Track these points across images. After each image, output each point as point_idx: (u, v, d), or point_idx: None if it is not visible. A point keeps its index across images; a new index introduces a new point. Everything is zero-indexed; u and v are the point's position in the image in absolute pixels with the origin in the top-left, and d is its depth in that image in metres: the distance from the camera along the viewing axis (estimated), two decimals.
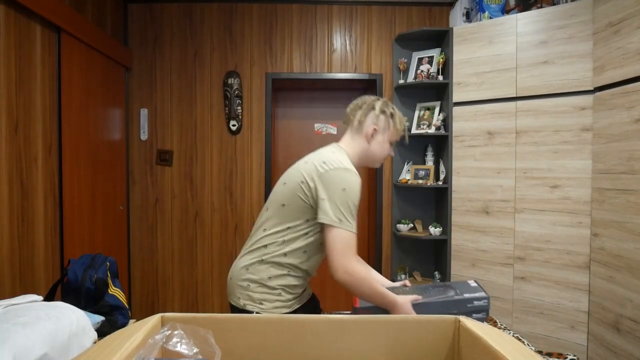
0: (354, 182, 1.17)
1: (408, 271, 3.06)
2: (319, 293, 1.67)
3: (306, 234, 1.22)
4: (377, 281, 1.20)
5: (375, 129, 1.29)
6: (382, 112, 1.30)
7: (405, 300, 1.15)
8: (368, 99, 1.34)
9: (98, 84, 2.58)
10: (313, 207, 1.18)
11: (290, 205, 1.22)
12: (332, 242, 1.12)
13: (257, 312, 1.20)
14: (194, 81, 3.10)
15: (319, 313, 1.42)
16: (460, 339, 0.76)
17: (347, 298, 3.45)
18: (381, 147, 1.31)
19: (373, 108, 1.30)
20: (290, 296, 1.26)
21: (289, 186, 1.24)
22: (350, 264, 1.12)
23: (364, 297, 1.16)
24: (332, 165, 1.18)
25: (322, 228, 1.19)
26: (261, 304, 1.23)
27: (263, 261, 1.24)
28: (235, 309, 1.26)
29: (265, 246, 1.25)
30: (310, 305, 1.41)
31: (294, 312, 1.26)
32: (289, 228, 1.22)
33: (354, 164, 1.26)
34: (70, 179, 2.23)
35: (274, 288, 1.24)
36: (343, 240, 1.12)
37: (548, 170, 2.37)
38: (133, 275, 3.12)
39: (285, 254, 1.23)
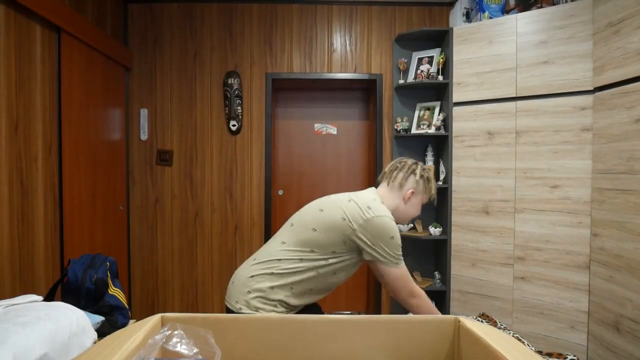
0: (397, 229, 1.33)
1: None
2: None
3: (326, 261, 1.30)
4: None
5: (413, 192, 1.41)
6: (422, 177, 1.43)
7: None
8: (408, 161, 1.47)
9: (98, 84, 2.58)
10: (346, 243, 1.29)
11: (322, 233, 1.29)
12: (396, 277, 1.30)
13: None
14: (194, 81, 3.10)
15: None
16: (460, 339, 0.76)
17: (347, 299, 3.45)
18: (414, 208, 1.43)
19: (414, 172, 1.42)
20: (285, 310, 1.29)
21: (327, 216, 1.31)
22: (414, 287, 1.31)
23: (427, 312, 1.32)
24: (378, 213, 1.29)
25: (351, 262, 1.33)
26: (257, 310, 1.26)
27: (273, 274, 1.28)
28: (230, 312, 1.30)
29: (279, 260, 1.29)
30: (309, 311, 1.42)
31: None
32: (312, 251, 1.29)
33: (397, 218, 1.40)
34: (70, 179, 2.23)
35: (272, 300, 1.27)
36: (405, 274, 1.31)
37: (548, 170, 2.37)
38: (133, 275, 3.12)
39: (295, 273, 1.27)
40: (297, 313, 1.31)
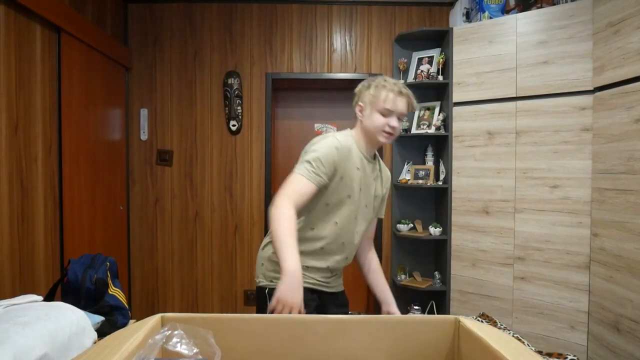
0: (327, 142, 1.27)
1: (408, 271, 3.06)
2: None
3: (309, 206, 1.30)
4: (293, 233, 1.09)
5: (361, 106, 1.37)
6: (360, 89, 1.40)
7: (296, 271, 1.01)
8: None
9: (98, 84, 2.58)
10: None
11: None
12: (286, 180, 1.22)
13: (269, 288, 1.30)
14: (194, 81, 3.10)
15: (326, 311, 1.39)
16: (460, 339, 0.76)
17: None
18: (371, 119, 1.31)
19: (355, 92, 1.42)
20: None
21: None
22: (281, 199, 1.14)
23: (272, 235, 1.09)
24: (324, 136, 1.32)
25: (318, 198, 1.29)
26: (272, 281, 1.32)
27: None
28: (258, 290, 1.38)
29: None
30: (324, 299, 1.39)
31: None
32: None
33: (363, 145, 1.35)
34: (70, 179, 2.23)
35: (277, 262, 1.23)
36: (289, 180, 1.20)
37: (548, 170, 2.37)
38: (133, 275, 3.12)
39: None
40: (307, 292, 1.23)
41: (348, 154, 1.29)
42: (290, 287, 0.97)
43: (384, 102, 1.28)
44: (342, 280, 1.50)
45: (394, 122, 1.29)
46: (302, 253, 1.18)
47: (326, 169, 1.23)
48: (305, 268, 1.28)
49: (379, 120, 1.30)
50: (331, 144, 1.26)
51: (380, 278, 1.49)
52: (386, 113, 1.29)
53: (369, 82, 1.37)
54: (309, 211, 1.30)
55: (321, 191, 1.26)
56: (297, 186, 1.18)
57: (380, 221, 3.21)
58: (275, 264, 1.26)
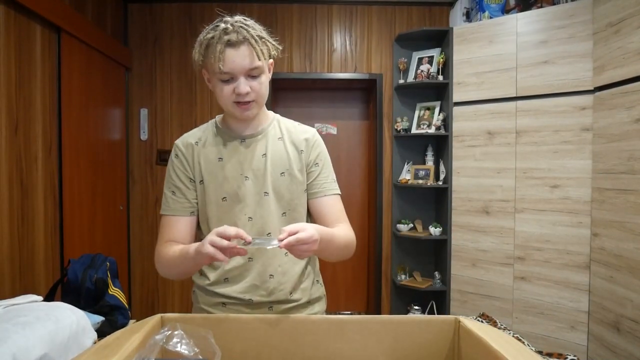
0: (179, 140, 1.06)
1: (408, 271, 3.06)
2: None
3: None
4: (176, 251, 0.94)
5: (204, 72, 0.99)
6: (195, 47, 0.97)
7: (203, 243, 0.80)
8: None
9: (98, 84, 2.58)
10: None
11: None
12: None
13: None
14: (194, 81, 3.10)
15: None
16: (460, 339, 0.76)
17: (347, 299, 3.46)
18: (216, 89, 0.96)
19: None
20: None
21: None
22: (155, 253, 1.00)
23: (173, 265, 0.95)
24: None
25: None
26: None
27: None
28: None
29: None
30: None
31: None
32: None
33: (233, 125, 1.05)
34: (70, 179, 2.23)
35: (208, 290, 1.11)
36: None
37: (548, 170, 2.37)
38: (133, 275, 3.12)
39: None
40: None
41: (200, 149, 1.03)
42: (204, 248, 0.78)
43: (215, 63, 0.90)
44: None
45: (241, 86, 0.92)
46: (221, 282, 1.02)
47: (182, 189, 1.02)
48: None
49: (221, 91, 0.94)
50: (170, 157, 1.05)
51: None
52: (226, 77, 0.92)
53: (200, 36, 0.96)
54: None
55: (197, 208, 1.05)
56: (161, 229, 1.02)
57: (379, 219, 3.22)
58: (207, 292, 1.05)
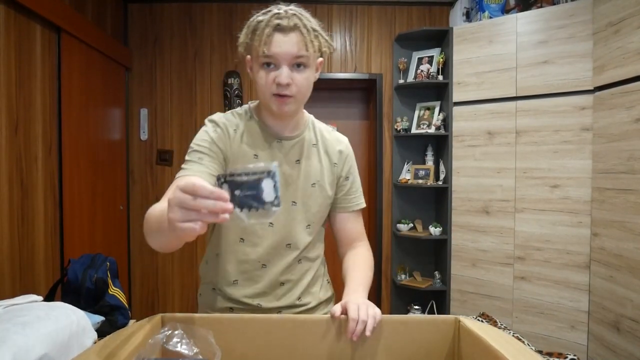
0: (205, 127, 0.94)
1: (408, 271, 3.06)
2: None
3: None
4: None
5: (247, 59, 0.92)
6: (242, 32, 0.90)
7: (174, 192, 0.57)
8: None
9: (98, 84, 2.58)
10: None
11: None
12: None
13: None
14: (194, 81, 3.10)
15: None
16: (460, 339, 0.76)
17: None
18: (256, 76, 0.88)
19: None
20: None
21: None
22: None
23: (152, 231, 0.74)
24: None
25: None
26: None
27: None
28: None
29: None
30: None
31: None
32: None
33: (269, 120, 0.96)
34: (70, 179, 2.23)
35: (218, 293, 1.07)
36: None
37: (548, 170, 2.37)
38: (133, 275, 3.12)
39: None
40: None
41: (238, 137, 0.93)
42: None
43: (260, 46, 0.83)
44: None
45: (283, 75, 0.83)
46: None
47: (214, 158, 0.89)
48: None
49: (261, 77, 0.86)
50: (204, 127, 0.95)
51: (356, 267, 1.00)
52: (268, 62, 0.85)
53: (250, 20, 0.88)
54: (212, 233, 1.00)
55: None
56: (172, 185, 0.83)
57: (379, 219, 3.22)
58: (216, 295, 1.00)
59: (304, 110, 1.02)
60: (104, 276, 1.31)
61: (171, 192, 0.74)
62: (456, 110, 2.74)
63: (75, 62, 2.29)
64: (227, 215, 0.51)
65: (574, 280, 2.27)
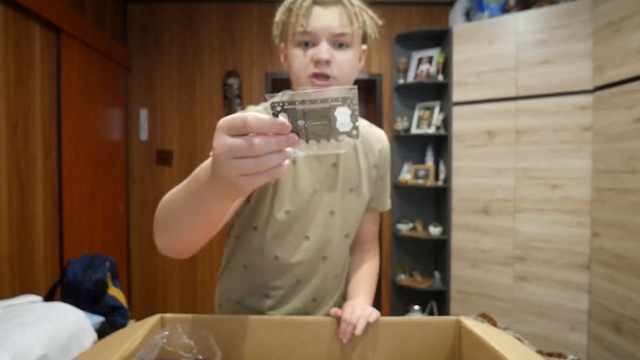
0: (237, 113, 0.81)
1: (408, 271, 3.06)
2: None
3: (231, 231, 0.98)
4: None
5: (282, 48, 0.84)
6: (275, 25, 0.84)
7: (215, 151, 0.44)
8: None
9: (98, 84, 2.57)
10: None
11: None
12: None
13: None
14: (194, 81, 3.10)
15: None
16: (461, 340, 0.75)
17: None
18: (292, 58, 0.79)
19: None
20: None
21: None
22: None
23: (174, 213, 0.58)
24: None
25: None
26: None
27: None
28: None
29: None
30: None
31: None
32: None
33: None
34: (70, 179, 2.23)
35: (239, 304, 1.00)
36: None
37: (548, 170, 2.37)
38: (133, 275, 3.11)
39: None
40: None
41: None
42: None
43: (297, 21, 0.74)
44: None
45: (323, 50, 0.73)
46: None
47: None
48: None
49: (296, 58, 0.77)
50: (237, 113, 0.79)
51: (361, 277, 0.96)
52: (305, 40, 0.75)
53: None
54: (235, 239, 0.92)
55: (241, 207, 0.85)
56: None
57: (379, 219, 3.21)
58: (236, 305, 0.91)
59: None
60: (104, 276, 1.31)
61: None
62: (456, 110, 2.74)
63: (75, 63, 2.29)
64: (288, 159, 0.41)
65: (574, 280, 2.27)
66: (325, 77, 0.74)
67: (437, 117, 2.89)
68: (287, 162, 0.41)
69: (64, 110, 2.18)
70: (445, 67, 2.83)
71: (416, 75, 2.95)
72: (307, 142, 0.41)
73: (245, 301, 0.90)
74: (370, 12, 0.82)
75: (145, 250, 3.11)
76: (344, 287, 0.99)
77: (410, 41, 3.05)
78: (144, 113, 3.09)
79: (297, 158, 0.80)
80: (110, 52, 2.68)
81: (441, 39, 2.94)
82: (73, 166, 2.27)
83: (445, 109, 2.85)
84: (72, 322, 0.85)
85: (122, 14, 3.02)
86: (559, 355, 1.79)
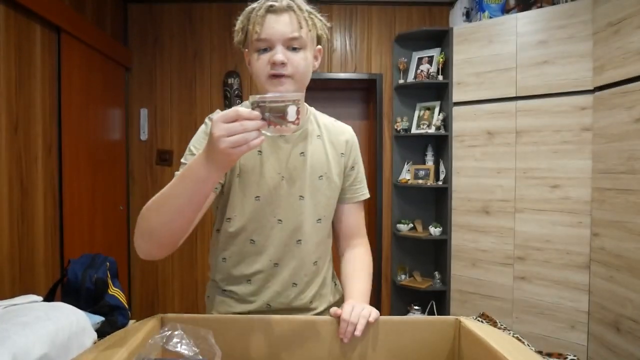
0: (202, 126, 0.95)
1: (408, 271, 3.06)
2: None
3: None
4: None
5: (245, 53, 0.92)
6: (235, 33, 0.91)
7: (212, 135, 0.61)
8: None
9: (98, 84, 2.57)
10: None
11: None
12: None
13: None
14: (194, 81, 3.10)
15: None
16: (461, 340, 0.76)
17: None
18: (253, 62, 0.86)
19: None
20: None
21: None
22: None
23: (162, 205, 0.72)
24: None
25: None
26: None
27: None
28: None
29: None
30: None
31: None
32: None
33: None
34: (70, 179, 2.23)
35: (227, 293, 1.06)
36: None
37: (548, 170, 2.37)
38: (133, 275, 3.12)
39: None
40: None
41: None
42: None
43: (253, 28, 0.83)
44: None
45: (278, 54, 0.82)
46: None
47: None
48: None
49: (256, 62, 0.85)
50: (202, 126, 0.94)
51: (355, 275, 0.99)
52: (262, 47, 0.83)
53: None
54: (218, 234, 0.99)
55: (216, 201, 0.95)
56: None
57: (379, 219, 3.22)
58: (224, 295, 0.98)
59: (304, 103, 0.95)
60: (104, 276, 1.31)
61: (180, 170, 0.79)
62: (456, 110, 2.74)
63: (75, 62, 2.29)
64: (261, 137, 0.62)
65: (574, 281, 2.27)
66: (282, 76, 0.83)
67: (437, 117, 2.89)
68: (260, 138, 0.62)
69: (65, 110, 2.18)
70: (446, 67, 2.83)
71: (416, 75, 2.95)
72: (268, 127, 0.63)
73: (229, 288, 0.97)
74: (319, 15, 0.89)
75: None
76: (331, 277, 1.05)
77: (411, 41, 3.05)
78: (144, 113, 3.09)
79: (263, 149, 0.92)
80: (110, 52, 2.68)
81: (441, 39, 2.94)
82: (73, 166, 2.27)
83: (446, 109, 2.85)
84: (72, 321, 0.85)
85: (122, 14, 3.02)
86: (559, 355, 1.79)
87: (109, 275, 1.33)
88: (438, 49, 2.96)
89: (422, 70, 2.93)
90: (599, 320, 2.11)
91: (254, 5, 0.85)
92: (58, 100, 2.15)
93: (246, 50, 0.91)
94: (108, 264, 1.36)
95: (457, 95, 2.72)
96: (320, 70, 3.11)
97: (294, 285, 0.95)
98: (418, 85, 2.95)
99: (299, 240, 0.94)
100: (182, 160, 0.90)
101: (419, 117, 3.02)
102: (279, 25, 0.81)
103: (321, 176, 0.95)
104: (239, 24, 0.88)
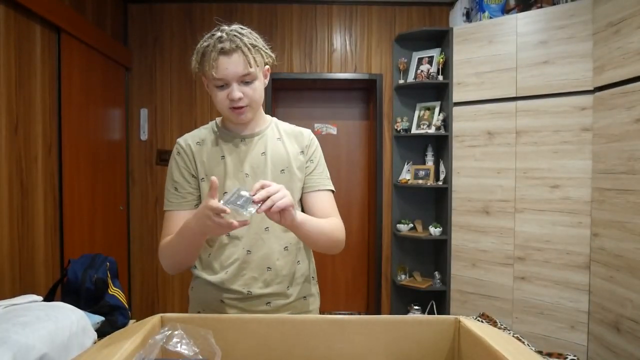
0: (173, 153, 1.14)
1: (408, 271, 3.06)
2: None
3: None
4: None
5: (203, 79, 1.05)
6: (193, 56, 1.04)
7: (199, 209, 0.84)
8: None
9: (98, 84, 2.58)
10: None
11: None
12: None
13: None
14: (194, 81, 3.10)
15: None
16: (460, 340, 0.76)
17: (347, 299, 3.45)
18: (214, 96, 1.01)
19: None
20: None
21: None
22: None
23: (176, 256, 1.00)
24: None
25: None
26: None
27: None
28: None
29: None
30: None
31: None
32: None
33: (232, 125, 1.09)
34: (70, 179, 2.23)
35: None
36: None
37: (548, 170, 2.37)
38: (133, 275, 3.12)
39: None
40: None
41: (202, 147, 1.08)
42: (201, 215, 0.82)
43: (209, 70, 0.96)
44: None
45: (234, 92, 0.96)
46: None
47: (184, 185, 1.07)
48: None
49: (216, 96, 0.99)
50: (172, 154, 1.12)
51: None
52: (219, 84, 0.98)
53: (198, 44, 1.02)
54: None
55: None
56: (165, 224, 1.06)
57: (379, 219, 3.22)
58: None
59: (263, 113, 1.14)
60: (104, 276, 1.31)
61: (168, 226, 1.04)
62: (456, 110, 2.74)
63: (75, 63, 2.29)
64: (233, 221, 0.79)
65: (574, 281, 2.27)
66: (240, 108, 0.99)
67: (437, 117, 2.89)
68: (235, 224, 0.79)
69: (65, 110, 2.18)
70: (446, 68, 2.83)
71: (416, 76, 2.95)
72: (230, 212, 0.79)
73: (210, 279, 1.06)
74: (265, 48, 1.03)
75: (145, 250, 3.11)
76: (310, 272, 1.14)
77: (411, 41, 3.05)
78: (144, 113, 3.09)
79: (226, 154, 1.07)
80: (110, 52, 2.68)
81: (441, 39, 2.94)
82: (73, 166, 2.27)
83: (446, 109, 2.85)
84: (72, 321, 0.85)
85: (122, 14, 3.02)
86: (559, 355, 1.79)
87: (109, 275, 1.33)
88: (438, 49, 2.96)
89: (422, 71, 2.93)
90: (599, 320, 2.11)
91: (206, 43, 0.97)
92: (58, 100, 2.15)
93: (204, 77, 1.03)
94: (108, 264, 1.36)
95: (457, 96, 2.72)
96: (320, 71, 3.11)
97: (268, 269, 1.04)
98: (418, 86, 2.95)
99: (267, 227, 1.04)
100: (167, 199, 1.08)
101: (419, 117, 3.02)
102: (231, 67, 0.94)
103: (283, 170, 1.07)
104: (194, 61, 1.01)
